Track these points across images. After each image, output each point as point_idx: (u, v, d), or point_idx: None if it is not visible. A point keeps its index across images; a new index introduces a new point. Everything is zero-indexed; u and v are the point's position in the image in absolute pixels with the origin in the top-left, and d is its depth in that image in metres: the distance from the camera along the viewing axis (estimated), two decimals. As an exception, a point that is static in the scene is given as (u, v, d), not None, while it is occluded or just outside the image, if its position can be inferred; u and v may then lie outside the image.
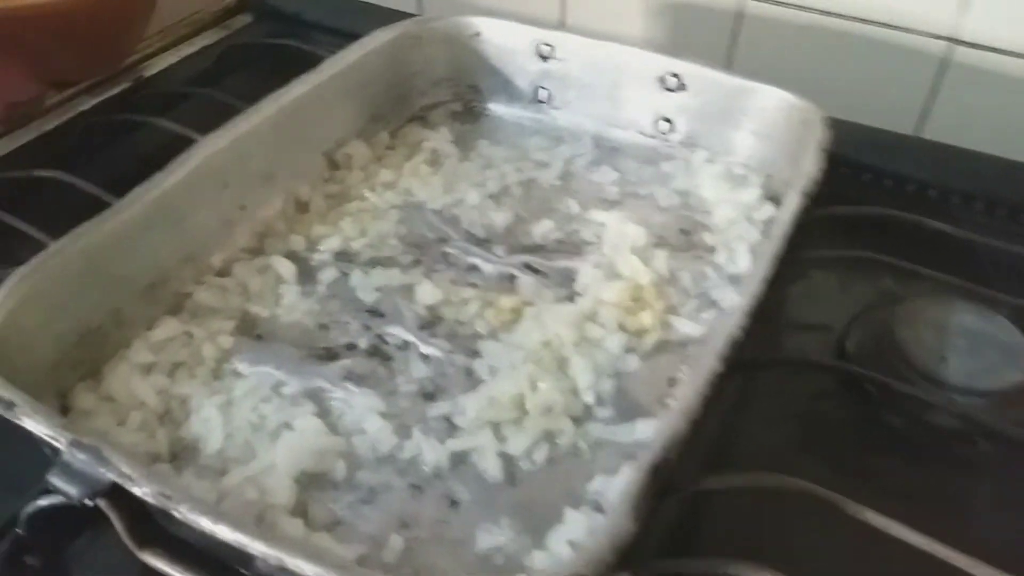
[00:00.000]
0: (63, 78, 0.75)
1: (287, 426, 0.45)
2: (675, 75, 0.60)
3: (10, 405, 0.37)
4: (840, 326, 0.56)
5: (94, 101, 0.75)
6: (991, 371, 0.50)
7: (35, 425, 0.37)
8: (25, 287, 0.43)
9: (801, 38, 0.74)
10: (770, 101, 0.57)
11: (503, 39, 0.65)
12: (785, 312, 0.56)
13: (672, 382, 0.47)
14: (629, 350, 0.48)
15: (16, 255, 0.60)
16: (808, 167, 0.50)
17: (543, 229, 0.58)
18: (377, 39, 0.63)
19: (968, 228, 0.57)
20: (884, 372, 0.52)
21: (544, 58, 0.65)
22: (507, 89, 0.67)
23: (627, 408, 0.46)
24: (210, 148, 0.53)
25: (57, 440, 0.37)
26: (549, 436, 0.44)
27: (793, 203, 0.47)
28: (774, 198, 0.58)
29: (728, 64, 0.77)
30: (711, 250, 0.55)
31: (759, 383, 0.51)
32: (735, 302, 0.50)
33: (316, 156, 0.61)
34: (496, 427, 0.44)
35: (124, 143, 0.70)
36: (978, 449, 0.48)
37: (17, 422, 0.37)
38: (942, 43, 0.68)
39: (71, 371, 0.47)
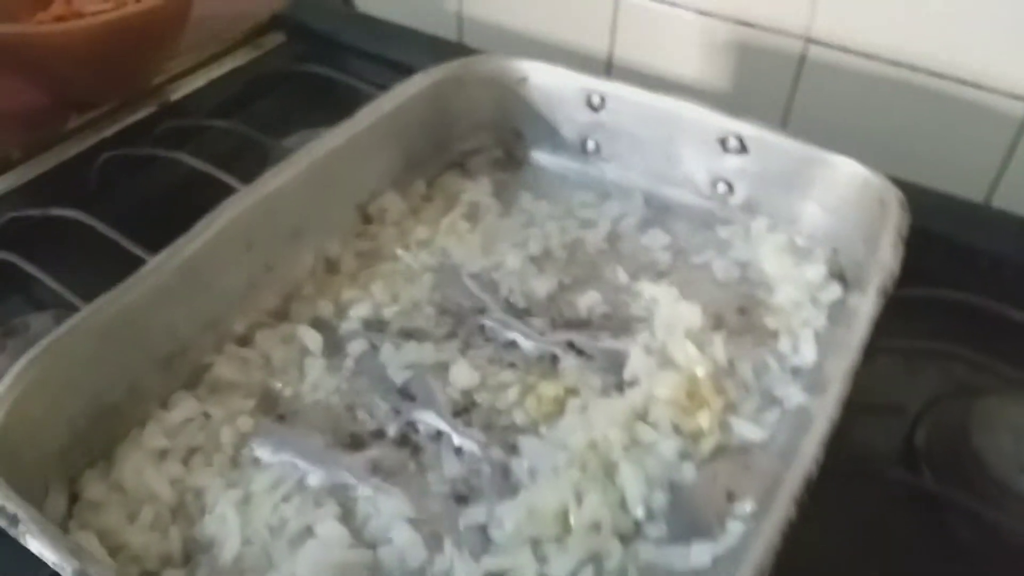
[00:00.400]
0: (86, 101, 0.72)
1: (309, 531, 0.41)
2: (737, 137, 0.56)
3: (14, 521, 0.34)
4: (909, 416, 0.52)
5: (117, 127, 0.72)
6: (1080, 487, 0.46)
7: (39, 547, 0.33)
8: (34, 372, 0.40)
9: (866, 89, 0.69)
10: (841, 174, 0.53)
11: (552, 86, 0.61)
12: (851, 402, 0.52)
13: (731, 496, 0.43)
14: (684, 456, 0.44)
15: (30, 303, 0.58)
16: (886, 258, 0.46)
17: (588, 301, 0.53)
18: (417, 84, 0.59)
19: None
20: (956, 480, 0.48)
21: (595, 108, 0.60)
22: (553, 138, 0.63)
23: (682, 526, 0.42)
24: (236, 208, 0.49)
25: (63, 568, 0.33)
26: (595, 558, 0.40)
27: (870, 303, 0.43)
28: (841, 275, 0.54)
29: (786, 113, 0.73)
30: (773, 335, 0.51)
31: (821, 487, 0.47)
32: (801, 404, 0.46)
33: (348, 209, 0.57)
34: (536, 544, 0.40)
35: (146, 179, 0.67)
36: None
37: (20, 541, 0.34)
38: (1020, 104, 0.63)
39: (82, 454, 0.43)
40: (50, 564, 0.33)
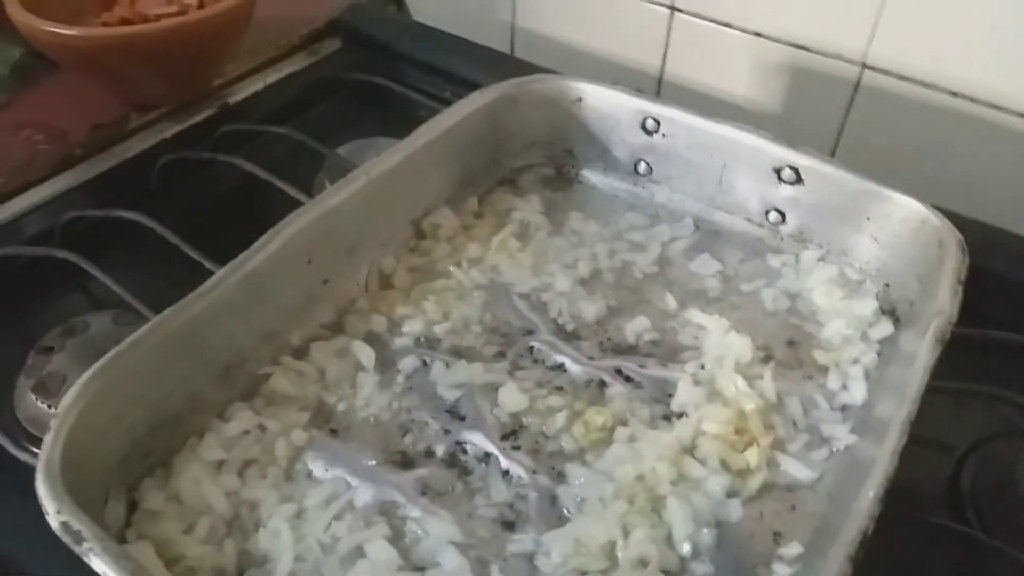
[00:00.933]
0: (149, 102, 0.74)
1: (360, 551, 0.42)
2: (793, 168, 0.56)
3: (79, 538, 0.35)
4: (954, 456, 0.51)
5: (177, 128, 0.73)
6: None
7: (103, 567, 0.35)
8: (98, 384, 0.41)
9: (922, 118, 0.68)
10: (899, 210, 0.52)
11: (606, 107, 0.61)
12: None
13: (778, 538, 0.43)
14: (732, 494, 0.44)
15: (90, 302, 0.60)
16: (944, 303, 0.45)
17: (637, 327, 0.54)
18: (474, 102, 0.59)
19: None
20: (1002, 525, 0.48)
21: (648, 132, 0.60)
22: (604, 158, 0.63)
23: (727, 566, 0.42)
24: (298, 224, 0.50)
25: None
26: (641, 596, 0.40)
27: (927, 350, 0.43)
28: (892, 312, 0.54)
29: (838, 138, 0.72)
30: (823, 371, 0.51)
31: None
32: (850, 445, 0.46)
33: (403, 224, 0.58)
34: (584, 576, 0.41)
35: (204, 182, 0.68)
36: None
37: (84, 559, 0.35)
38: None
39: (141, 463, 0.45)
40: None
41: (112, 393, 0.42)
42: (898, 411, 0.39)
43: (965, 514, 0.49)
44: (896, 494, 0.47)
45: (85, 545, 0.35)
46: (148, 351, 0.43)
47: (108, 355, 0.42)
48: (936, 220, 0.51)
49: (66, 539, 0.35)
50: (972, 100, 0.65)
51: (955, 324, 0.49)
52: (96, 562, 0.34)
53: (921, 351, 0.43)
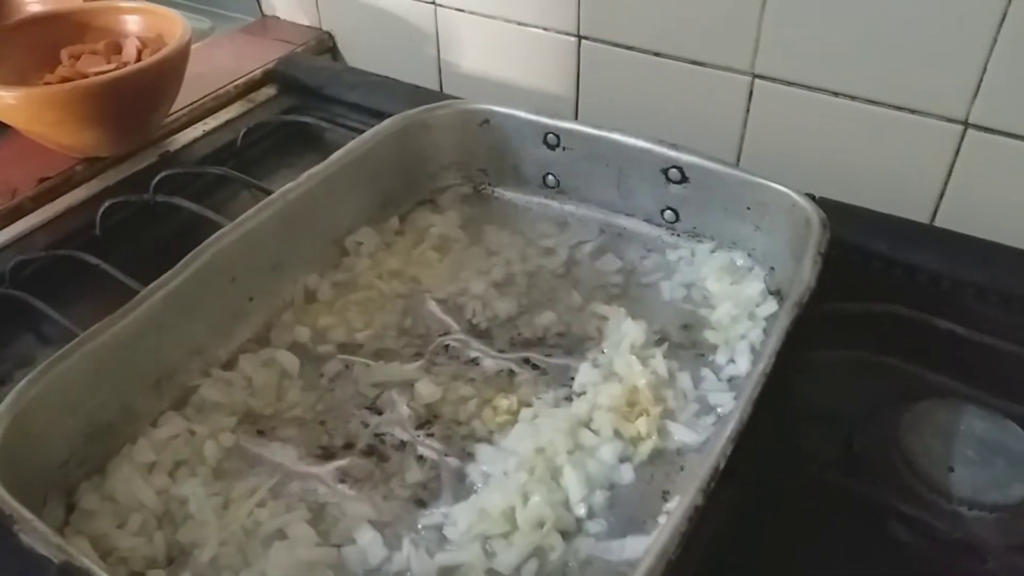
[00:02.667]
0: (93, 154, 0.78)
1: (281, 533, 0.45)
2: (678, 167, 0.61)
3: (10, 520, 0.39)
4: (848, 424, 0.55)
5: (121, 176, 0.78)
6: (1000, 484, 0.49)
7: (31, 543, 0.38)
8: (33, 392, 0.45)
9: (813, 119, 0.73)
10: (770, 196, 0.57)
11: (510, 127, 0.66)
12: (792, 412, 0.56)
13: (666, 495, 0.47)
14: (624, 459, 0.48)
15: (39, 338, 0.63)
16: (805, 274, 0.50)
17: (545, 322, 0.58)
18: (385, 130, 0.64)
19: (981, 325, 0.56)
20: (889, 482, 0.51)
21: (551, 147, 0.65)
22: (515, 174, 0.68)
23: (620, 523, 0.46)
24: (219, 244, 0.54)
25: (51, 560, 0.38)
26: (539, 552, 0.44)
27: (786, 314, 0.47)
28: (777, 292, 0.58)
29: (741, 144, 0.77)
30: (712, 349, 0.55)
31: (761, 492, 0.50)
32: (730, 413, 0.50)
33: (326, 244, 0.62)
34: (486, 541, 0.44)
35: (147, 222, 0.72)
36: (988, 567, 0.46)
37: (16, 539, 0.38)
38: (956, 127, 0.68)
39: (78, 468, 0.48)
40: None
41: (46, 401, 0.45)
42: (756, 365, 0.44)
43: (858, 475, 0.53)
44: (795, 458, 0.51)
45: (16, 527, 0.38)
46: (79, 362, 0.47)
47: (41, 365, 0.46)
48: (804, 203, 0.55)
49: (-4, 525, 0.38)
50: (851, 98, 0.70)
51: (843, 301, 0.54)
52: (25, 539, 0.38)
53: (782, 315, 0.47)
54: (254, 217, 0.56)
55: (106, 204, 0.72)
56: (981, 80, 0.63)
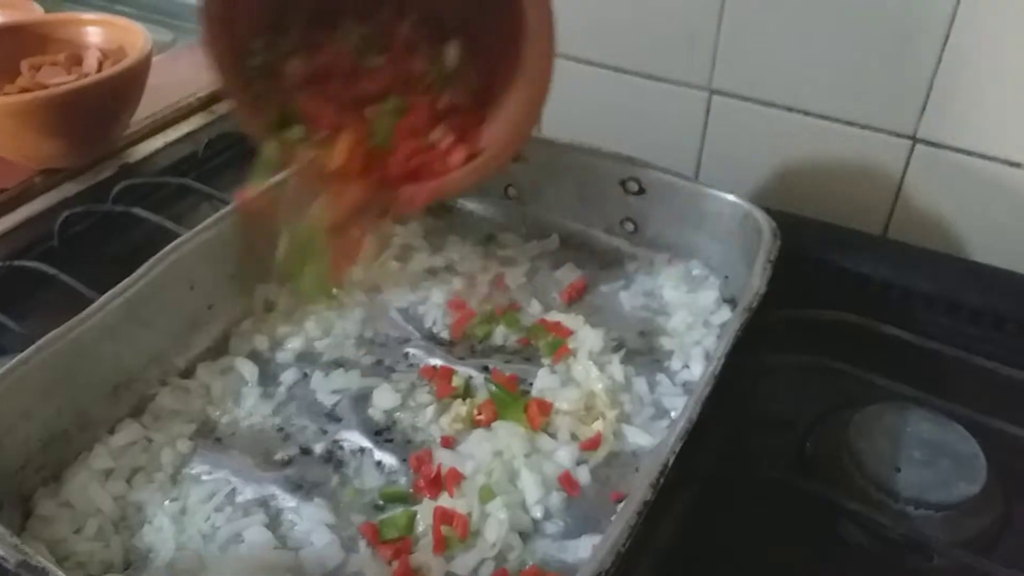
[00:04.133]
0: (52, 165, 0.78)
1: (238, 537, 0.45)
2: (635, 179, 0.62)
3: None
4: (801, 428, 0.56)
5: (79, 188, 0.77)
6: (945, 483, 0.50)
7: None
8: (-13, 399, 0.44)
9: (768, 134, 0.75)
10: (724, 207, 0.59)
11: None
12: (747, 415, 0.57)
13: (621, 497, 0.47)
14: (580, 462, 0.49)
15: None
16: (755, 280, 0.51)
17: (505, 330, 0.59)
18: (348, 139, 0.65)
19: (929, 332, 0.58)
20: (840, 483, 0.52)
21: (513, 159, 0.66)
22: (477, 186, 0.69)
23: (575, 523, 0.46)
24: (178, 252, 0.54)
25: (7, 560, 0.37)
26: (498, 556, 0.44)
27: (736, 318, 0.49)
28: (731, 300, 0.60)
29: (699, 161, 0.79)
30: (668, 355, 0.56)
31: (715, 493, 0.51)
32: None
33: (286, 253, 0.62)
34: (443, 543, 0.45)
35: (106, 232, 0.72)
36: (934, 564, 0.48)
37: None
38: (905, 142, 0.70)
39: (35, 474, 0.48)
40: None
41: (2, 407, 0.45)
42: (707, 367, 0.45)
43: (809, 471, 0.54)
44: (750, 461, 0.52)
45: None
46: (34, 369, 0.47)
47: (-3, 372, 0.45)
48: (756, 212, 0.57)
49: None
50: (803, 113, 0.72)
51: (796, 308, 0.56)
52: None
53: (732, 319, 0.48)
54: (213, 226, 0.56)
55: (64, 215, 0.71)
56: (928, 96, 0.66)
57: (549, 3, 0.48)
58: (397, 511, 0.46)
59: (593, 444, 0.50)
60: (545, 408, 0.51)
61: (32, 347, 0.47)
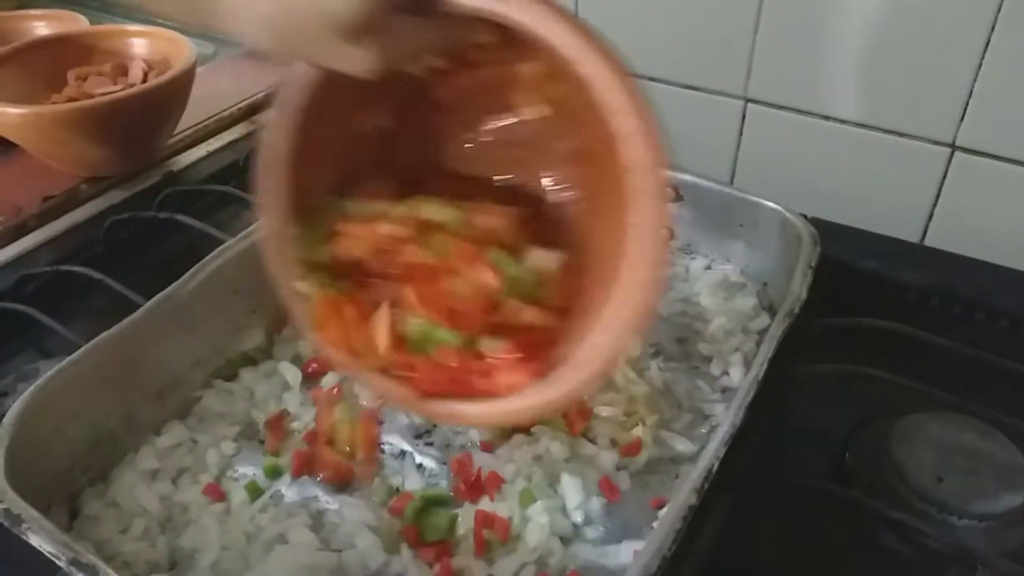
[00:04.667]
0: (98, 173, 0.79)
1: (282, 538, 0.46)
2: (672, 187, 0.62)
3: (18, 520, 0.39)
4: (840, 437, 0.56)
5: (124, 195, 0.79)
6: (988, 493, 0.50)
7: (39, 541, 0.39)
8: (38, 401, 0.46)
9: (803, 142, 0.75)
10: (763, 214, 0.59)
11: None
12: (786, 423, 0.56)
13: (662, 503, 0.48)
14: (621, 468, 0.49)
15: (43, 352, 0.64)
16: (795, 286, 0.51)
17: (543, 336, 0.59)
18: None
19: (968, 340, 0.58)
20: (880, 492, 0.52)
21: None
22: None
23: (615, 529, 0.46)
24: (223, 257, 0.55)
25: (59, 557, 0.38)
26: (539, 560, 0.45)
27: (778, 324, 0.48)
28: (769, 307, 0.59)
29: (734, 168, 0.79)
30: (707, 361, 0.56)
31: (755, 500, 0.51)
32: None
33: (328, 258, 0.63)
34: (485, 547, 0.45)
35: (150, 238, 0.73)
36: (978, 575, 0.47)
37: (23, 537, 0.39)
38: (944, 149, 0.69)
39: (82, 475, 0.49)
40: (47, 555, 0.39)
41: (51, 408, 0.46)
42: (749, 374, 0.45)
43: (849, 480, 0.54)
44: (789, 468, 0.52)
45: (23, 526, 0.39)
46: (83, 371, 0.48)
47: (47, 374, 0.47)
48: (795, 220, 0.57)
49: (7, 523, 0.39)
50: (840, 121, 0.72)
51: (834, 316, 0.55)
52: (34, 539, 0.38)
53: (774, 325, 0.48)
54: (258, 228, 0.57)
55: (110, 220, 0.73)
56: (967, 103, 0.65)
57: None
58: (439, 513, 0.47)
59: (633, 449, 0.50)
60: (585, 414, 0.51)
61: (81, 349, 0.49)
